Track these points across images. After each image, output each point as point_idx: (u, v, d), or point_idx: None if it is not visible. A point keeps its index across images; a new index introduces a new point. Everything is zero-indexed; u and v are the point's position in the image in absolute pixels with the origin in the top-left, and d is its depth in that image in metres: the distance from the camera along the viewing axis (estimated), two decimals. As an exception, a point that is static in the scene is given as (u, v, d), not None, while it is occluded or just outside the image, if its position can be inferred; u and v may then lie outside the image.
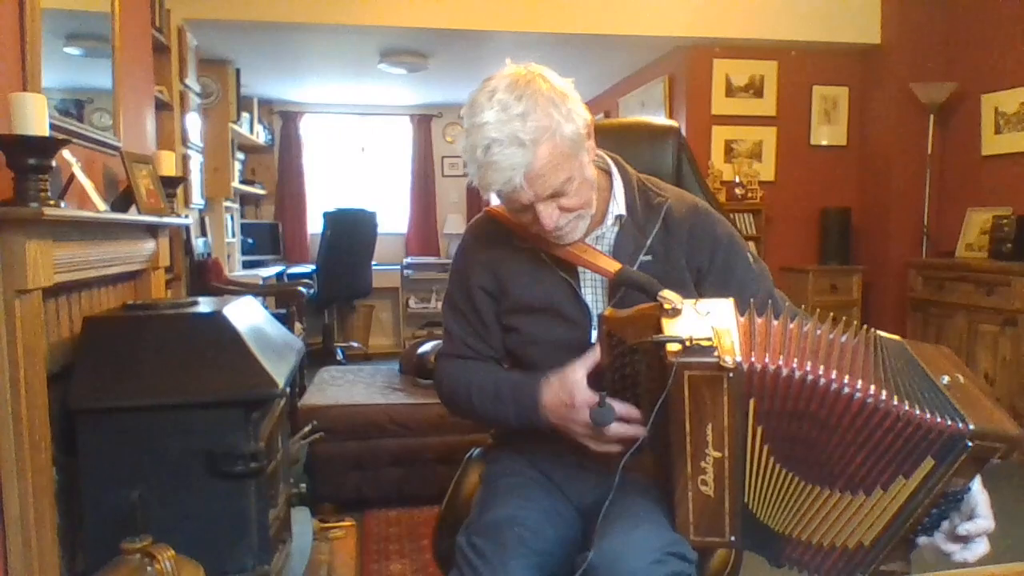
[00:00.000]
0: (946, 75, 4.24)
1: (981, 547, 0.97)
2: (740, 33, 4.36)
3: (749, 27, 4.35)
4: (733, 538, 1.03)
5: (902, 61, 4.37)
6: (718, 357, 0.94)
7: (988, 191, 4.02)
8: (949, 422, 0.91)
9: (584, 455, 1.15)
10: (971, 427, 0.90)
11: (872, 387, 0.93)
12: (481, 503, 1.23)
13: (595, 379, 1.11)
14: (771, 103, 4.63)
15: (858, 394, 0.93)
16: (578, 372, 1.12)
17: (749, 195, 4.52)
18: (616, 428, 1.07)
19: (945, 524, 0.98)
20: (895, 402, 0.92)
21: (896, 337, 1.05)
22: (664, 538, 1.03)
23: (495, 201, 1.21)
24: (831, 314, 1.02)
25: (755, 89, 4.61)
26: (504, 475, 1.26)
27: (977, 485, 0.97)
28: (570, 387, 1.11)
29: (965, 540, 0.97)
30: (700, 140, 4.53)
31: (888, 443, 0.93)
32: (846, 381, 0.93)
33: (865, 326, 1.03)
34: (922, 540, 1.00)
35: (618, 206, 1.24)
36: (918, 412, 0.91)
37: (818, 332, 1.00)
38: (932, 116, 4.26)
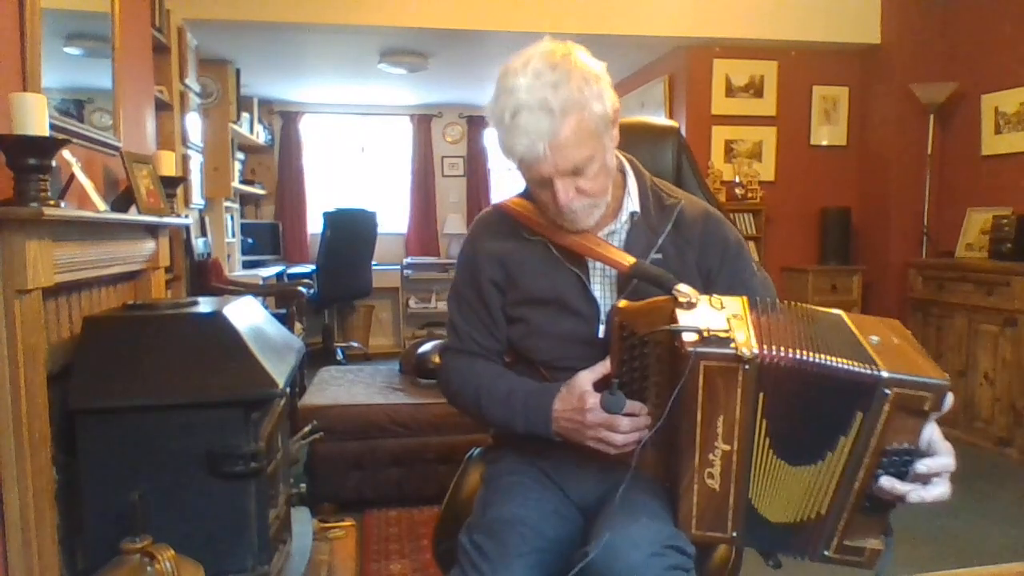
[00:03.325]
0: (946, 75, 4.24)
1: (940, 488, 0.94)
2: (740, 33, 4.36)
3: (749, 27, 4.35)
4: (735, 533, 1.03)
5: (902, 61, 4.37)
6: (735, 348, 0.95)
7: (988, 191, 4.02)
8: (860, 369, 0.92)
9: (585, 455, 1.15)
10: (883, 374, 0.91)
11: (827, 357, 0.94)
12: (482, 502, 1.24)
13: (603, 386, 1.11)
14: (771, 103, 4.63)
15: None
16: (585, 379, 1.12)
17: (749, 195, 4.52)
18: (626, 422, 1.08)
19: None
20: (821, 359, 0.94)
21: (835, 311, 1.06)
22: (663, 531, 1.04)
23: (515, 187, 1.19)
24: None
25: (755, 89, 4.62)
26: (505, 474, 1.26)
27: (931, 426, 0.95)
28: (579, 392, 1.12)
29: (924, 479, 0.94)
30: (700, 140, 4.53)
31: (819, 401, 0.95)
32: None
33: (795, 303, 1.05)
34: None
35: (632, 203, 1.25)
36: (830, 362, 0.93)
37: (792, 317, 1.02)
38: (932, 116, 4.26)
